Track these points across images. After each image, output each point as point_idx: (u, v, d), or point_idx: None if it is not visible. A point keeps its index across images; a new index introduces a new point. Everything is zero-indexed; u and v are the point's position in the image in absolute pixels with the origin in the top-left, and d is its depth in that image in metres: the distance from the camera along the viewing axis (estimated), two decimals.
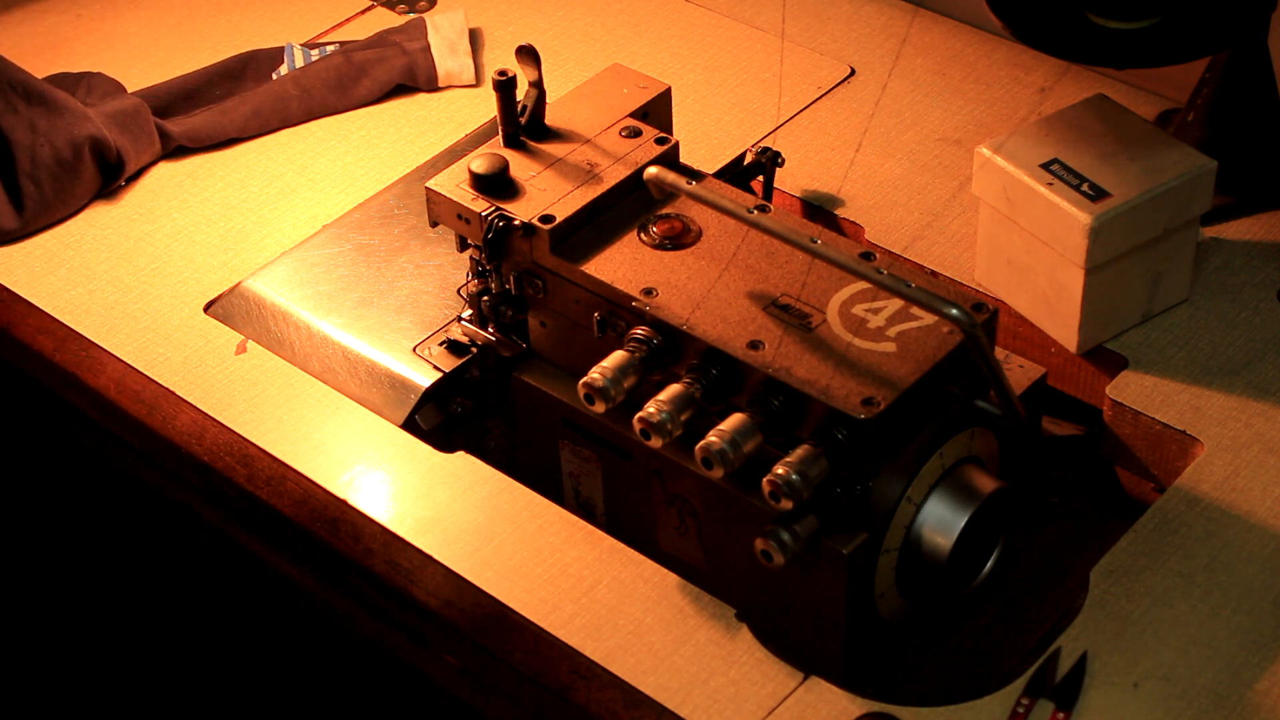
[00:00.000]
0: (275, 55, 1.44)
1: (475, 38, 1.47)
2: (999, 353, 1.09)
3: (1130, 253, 1.15)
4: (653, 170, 1.09)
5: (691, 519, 1.10)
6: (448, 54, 1.43)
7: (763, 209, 1.09)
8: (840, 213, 1.29)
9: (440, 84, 1.43)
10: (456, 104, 1.42)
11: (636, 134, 1.17)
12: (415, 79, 1.42)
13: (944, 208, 1.28)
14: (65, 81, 1.41)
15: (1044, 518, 1.18)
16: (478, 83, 1.43)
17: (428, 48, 1.43)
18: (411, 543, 1.08)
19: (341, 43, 1.45)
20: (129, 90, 1.41)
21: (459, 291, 1.22)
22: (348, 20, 1.51)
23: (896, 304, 1.06)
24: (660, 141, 1.17)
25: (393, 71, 1.42)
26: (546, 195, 1.13)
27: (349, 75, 1.42)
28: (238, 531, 1.19)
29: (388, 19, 1.50)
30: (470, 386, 1.20)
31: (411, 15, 1.50)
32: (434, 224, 1.17)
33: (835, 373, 1.02)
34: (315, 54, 1.43)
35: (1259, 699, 0.98)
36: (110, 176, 1.33)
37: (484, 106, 1.41)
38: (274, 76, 1.41)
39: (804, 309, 1.06)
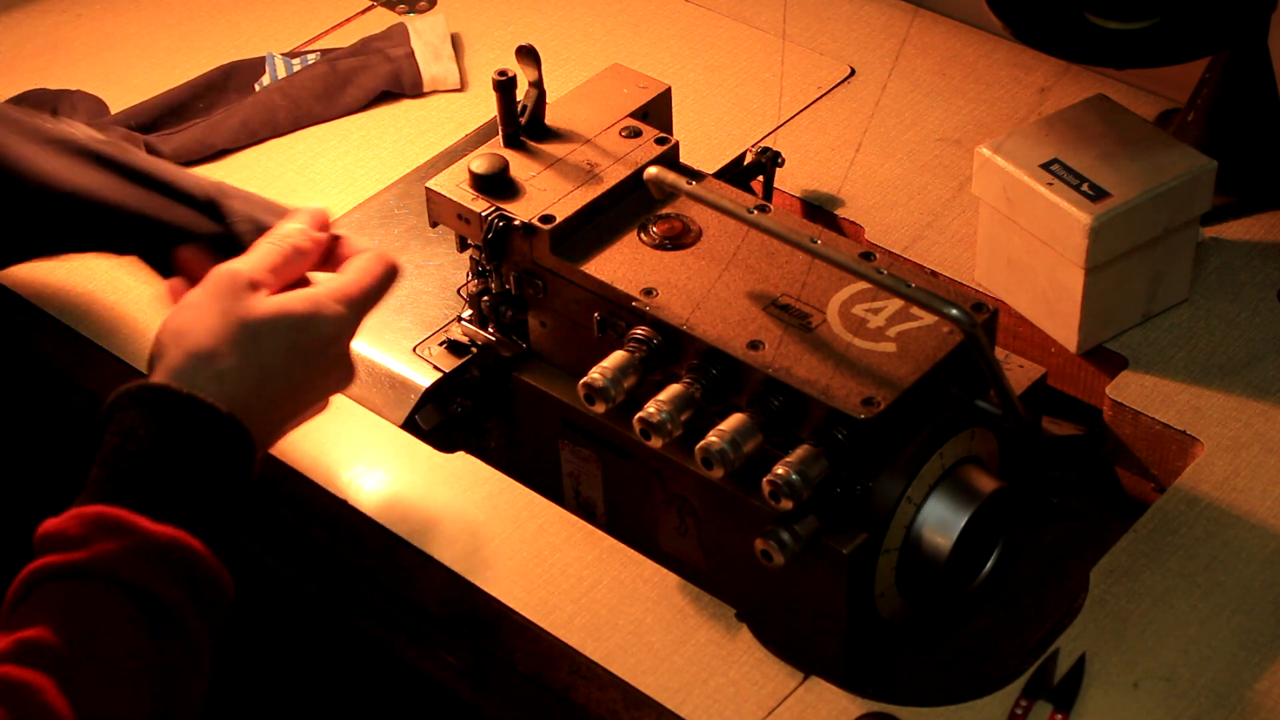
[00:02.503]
0: (257, 66, 1.44)
1: (457, 42, 1.47)
2: (999, 353, 1.09)
3: (1130, 253, 1.15)
4: (653, 170, 1.09)
5: (691, 519, 1.10)
6: (431, 59, 1.44)
7: (763, 209, 1.09)
8: (840, 213, 1.29)
9: (425, 89, 1.43)
10: (455, 105, 1.42)
11: (636, 134, 1.17)
12: (400, 85, 1.42)
13: (944, 208, 1.28)
14: (44, 98, 1.40)
15: (1044, 518, 1.18)
16: (462, 87, 1.43)
17: (411, 54, 1.43)
18: (411, 543, 1.08)
19: (324, 51, 1.45)
20: (110, 106, 1.40)
21: (459, 291, 1.22)
22: (348, 20, 1.51)
23: (896, 304, 1.06)
24: (660, 141, 1.17)
25: (378, 79, 1.42)
26: (546, 195, 1.13)
27: (335, 84, 1.41)
28: (236, 530, 1.19)
29: (388, 19, 1.50)
30: (470, 386, 1.20)
31: (412, 15, 1.50)
32: (434, 224, 1.17)
33: (835, 373, 1.02)
34: (297, 63, 1.43)
35: (1259, 699, 0.98)
36: None
37: (482, 107, 1.41)
38: (256, 87, 1.41)
39: (804, 309, 1.06)
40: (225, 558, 0.97)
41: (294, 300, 1.04)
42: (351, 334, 1.05)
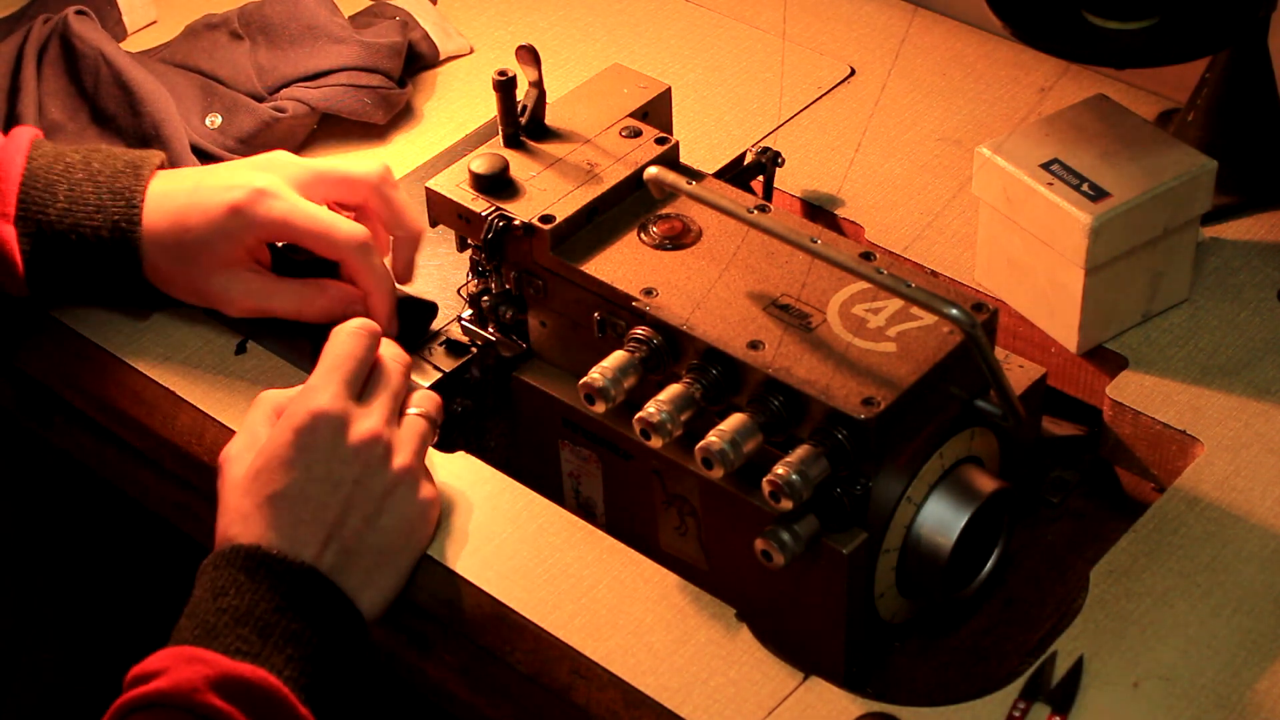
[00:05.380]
0: None
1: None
2: (999, 353, 1.09)
3: (1130, 253, 1.15)
4: (653, 170, 1.09)
5: (691, 519, 1.10)
6: (444, 38, 1.44)
7: (763, 209, 1.09)
8: (840, 213, 1.29)
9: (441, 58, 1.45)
10: (457, 103, 1.42)
11: (636, 134, 1.17)
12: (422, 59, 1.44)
13: (944, 208, 1.28)
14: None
15: (1044, 518, 1.18)
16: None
17: (427, 35, 1.44)
18: None
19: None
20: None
21: (459, 291, 1.22)
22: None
23: (896, 304, 1.06)
24: (660, 141, 1.17)
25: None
26: (546, 195, 1.13)
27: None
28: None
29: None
30: (470, 386, 1.20)
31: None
32: (434, 224, 1.17)
33: (835, 373, 1.02)
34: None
35: (1259, 699, 0.98)
36: None
37: (484, 107, 1.41)
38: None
39: (804, 309, 1.06)
40: (320, 715, 0.97)
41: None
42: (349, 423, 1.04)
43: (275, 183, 1.15)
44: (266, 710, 0.94)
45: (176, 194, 1.16)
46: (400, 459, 1.05)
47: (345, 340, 1.07)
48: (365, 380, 1.07)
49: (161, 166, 1.19)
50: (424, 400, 1.10)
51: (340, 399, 1.04)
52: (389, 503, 1.04)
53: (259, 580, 0.98)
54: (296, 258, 1.19)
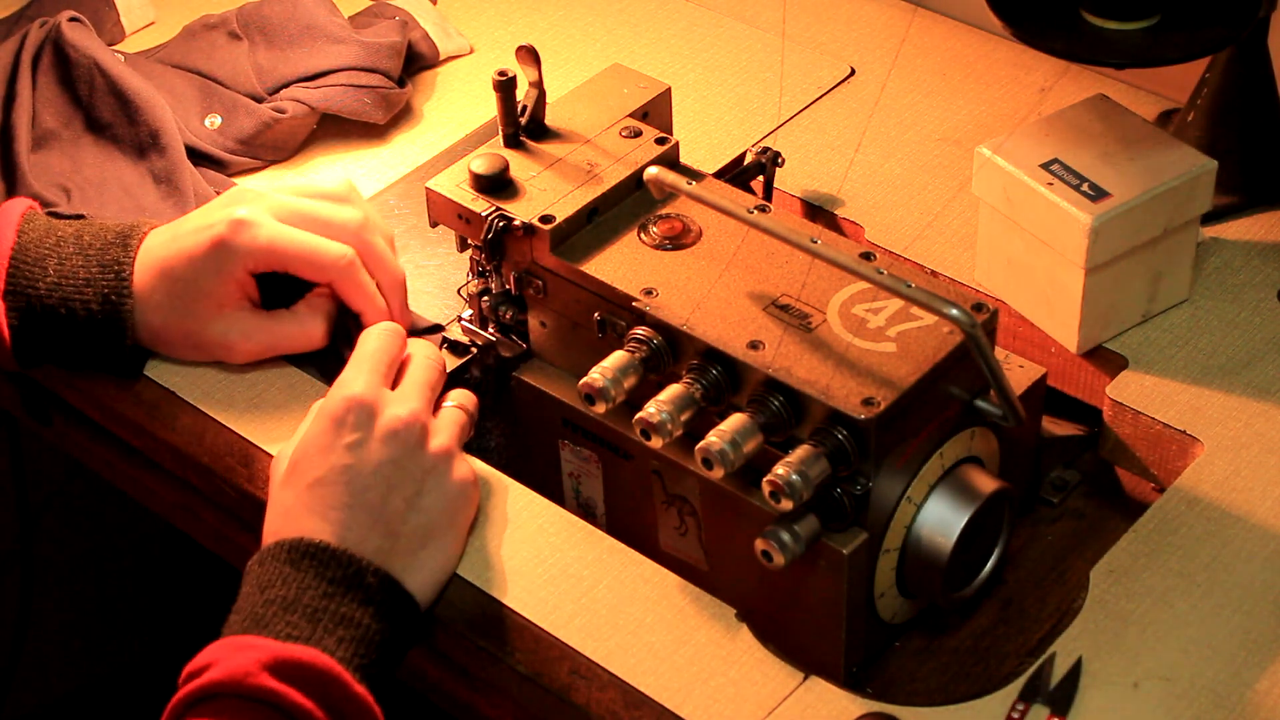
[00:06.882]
0: None
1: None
2: (999, 353, 1.09)
3: (1130, 253, 1.15)
4: (653, 170, 1.09)
5: (691, 519, 1.10)
6: (443, 37, 1.44)
7: (763, 209, 1.10)
8: (840, 213, 1.29)
9: (441, 59, 1.45)
10: (457, 103, 1.42)
11: (636, 134, 1.17)
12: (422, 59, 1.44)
13: (944, 208, 1.28)
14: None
15: (1044, 518, 1.18)
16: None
17: (426, 35, 1.44)
18: None
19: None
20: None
21: (459, 291, 1.22)
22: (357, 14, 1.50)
23: (896, 304, 1.06)
24: (660, 141, 1.17)
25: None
26: (546, 195, 1.13)
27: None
28: (238, 532, 1.19)
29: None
30: (470, 386, 1.20)
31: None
32: (434, 224, 1.17)
33: (835, 373, 1.02)
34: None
35: (1259, 699, 0.98)
36: None
37: (484, 107, 1.41)
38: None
39: (804, 309, 1.06)
40: (376, 695, 0.98)
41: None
42: (383, 410, 1.04)
43: (254, 211, 1.15)
44: (323, 688, 0.95)
45: (156, 249, 1.16)
46: (437, 441, 1.06)
47: (375, 337, 1.09)
48: (397, 374, 1.09)
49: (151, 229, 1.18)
50: (461, 396, 1.11)
51: (374, 386, 1.05)
52: (429, 482, 1.04)
53: (304, 570, 0.99)
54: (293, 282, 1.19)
